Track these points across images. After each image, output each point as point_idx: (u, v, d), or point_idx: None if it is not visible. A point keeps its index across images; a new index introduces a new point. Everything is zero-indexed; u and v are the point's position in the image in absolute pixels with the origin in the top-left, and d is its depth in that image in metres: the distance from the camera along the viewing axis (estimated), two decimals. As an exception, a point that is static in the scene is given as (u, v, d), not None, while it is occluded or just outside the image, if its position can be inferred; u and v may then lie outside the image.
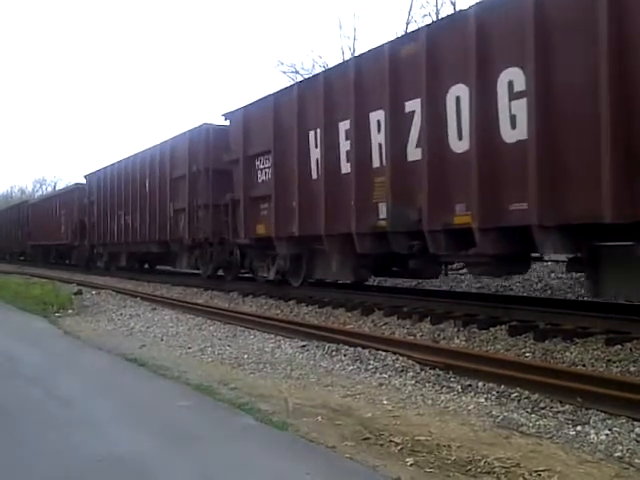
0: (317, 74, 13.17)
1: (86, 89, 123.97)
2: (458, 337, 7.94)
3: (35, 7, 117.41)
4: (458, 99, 7.89)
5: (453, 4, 23.14)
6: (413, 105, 8.64)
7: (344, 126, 10.11)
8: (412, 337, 8.25)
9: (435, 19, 23.68)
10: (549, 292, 12.13)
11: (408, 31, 22.77)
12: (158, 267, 22.83)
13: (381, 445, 4.15)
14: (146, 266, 23.36)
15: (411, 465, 3.78)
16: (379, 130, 9.31)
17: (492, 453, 3.92)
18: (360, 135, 9.69)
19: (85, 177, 26.31)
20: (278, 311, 11.50)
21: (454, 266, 10.66)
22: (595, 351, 6.60)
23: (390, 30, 40.51)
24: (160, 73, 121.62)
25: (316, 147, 10.94)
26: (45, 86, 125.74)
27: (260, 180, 12.80)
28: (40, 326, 10.60)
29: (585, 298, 10.80)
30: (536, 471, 3.64)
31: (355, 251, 10.09)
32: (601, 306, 8.34)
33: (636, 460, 3.82)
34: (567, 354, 6.64)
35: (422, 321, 8.90)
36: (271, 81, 56.86)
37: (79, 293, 15.75)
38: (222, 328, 9.75)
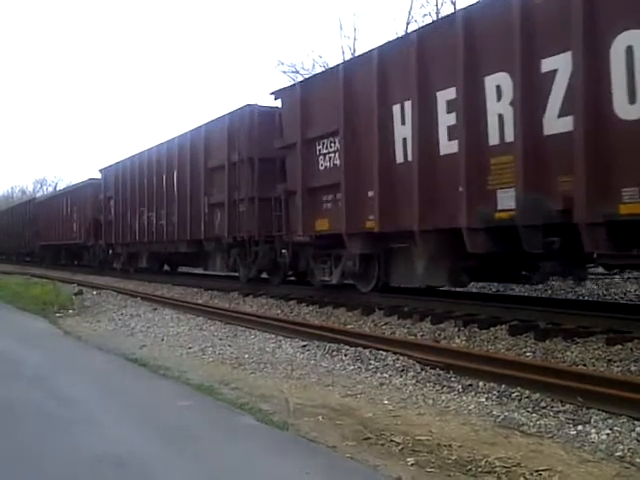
0: (407, 34, 11.40)
1: (87, 89, 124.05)
2: (459, 337, 7.94)
3: (36, 7, 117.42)
4: (630, 48, 6.17)
5: (453, 3, 23.12)
6: (556, 62, 6.83)
7: (445, 96, 8.31)
8: (413, 337, 8.25)
9: (436, 18, 23.67)
10: (549, 292, 12.13)
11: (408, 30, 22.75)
12: (182, 269, 21.52)
13: (382, 445, 4.15)
14: (166, 268, 21.85)
15: (412, 465, 3.78)
16: (499, 98, 7.56)
17: (493, 453, 3.92)
18: (470, 106, 7.88)
19: (100, 171, 24.24)
20: (279, 311, 11.50)
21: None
22: (596, 350, 6.60)
23: (390, 30, 40.50)
24: (159, 74, 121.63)
25: (403, 124, 9.07)
26: (46, 86, 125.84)
27: (322, 167, 10.92)
28: (40, 326, 10.60)
29: (586, 298, 10.81)
30: (537, 471, 3.63)
31: (455, 250, 8.45)
32: (602, 306, 8.33)
33: (637, 460, 3.82)
34: (568, 354, 6.64)
35: (423, 321, 8.90)
36: (270, 81, 56.78)
37: (80, 293, 15.77)
38: (223, 328, 9.75)
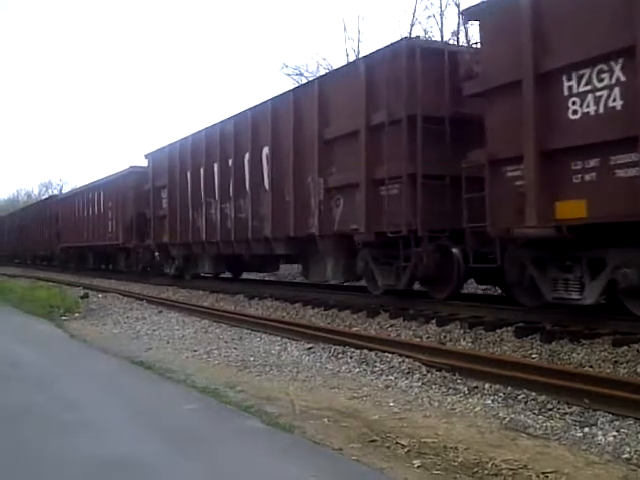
0: None
1: (94, 93, 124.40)
2: (464, 339, 7.92)
3: (38, 10, 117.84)
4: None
5: (457, 5, 23.09)
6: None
7: None
8: (418, 339, 8.24)
9: (441, 21, 23.67)
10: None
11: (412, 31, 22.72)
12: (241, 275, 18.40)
13: (388, 447, 4.14)
14: (225, 274, 18.25)
15: (418, 467, 3.77)
16: None
17: (499, 455, 3.91)
18: None
19: (147, 156, 20.22)
20: (284, 313, 11.50)
21: None
22: (602, 352, 6.58)
23: (395, 32, 40.45)
24: (164, 77, 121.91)
25: None
26: (52, 90, 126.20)
27: (578, 115, 7.06)
28: (46, 329, 10.61)
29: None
30: (544, 473, 3.62)
31: None
32: (608, 307, 8.30)
33: (644, 461, 3.80)
34: (574, 355, 6.62)
35: (428, 323, 8.89)
36: (274, 84, 56.83)
37: (85, 296, 15.78)
38: (228, 331, 9.76)
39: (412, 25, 24.76)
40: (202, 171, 16.23)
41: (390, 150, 9.78)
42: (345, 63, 12.13)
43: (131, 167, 22.18)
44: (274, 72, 65.47)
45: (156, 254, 20.01)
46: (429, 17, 24.31)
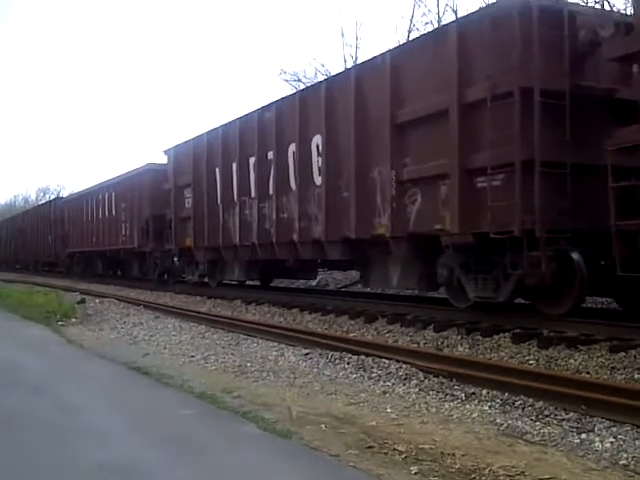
0: None
1: (91, 99, 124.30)
2: (462, 345, 7.92)
3: (38, 14, 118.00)
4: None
5: (455, 12, 23.17)
6: None
7: None
8: (415, 345, 8.24)
9: (438, 26, 23.73)
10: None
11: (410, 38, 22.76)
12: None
13: (385, 454, 4.13)
14: (252, 282, 16.61)
15: (415, 474, 3.77)
16: None
17: (496, 461, 3.91)
18: None
19: (166, 152, 18.10)
20: (281, 319, 11.49)
21: None
22: (599, 358, 6.58)
23: (392, 38, 40.58)
24: (161, 83, 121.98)
25: None
26: (49, 95, 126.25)
27: None
28: (43, 335, 10.59)
29: (589, 305, 10.76)
30: (541, 479, 3.63)
31: None
32: (605, 313, 8.31)
33: (641, 468, 3.80)
34: (571, 361, 6.63)
35: (425, 329, 8.88)
36: (272, 90, 56.91)
37: (82, 302, 15.77)
38: (225, 336, 9.75)
39: (409, 31, 24.83)
40: (235, 166, 14.25)
41: (495, 132, 7.83)
42: (422, 33, 10.55)
43: (147, 164, 20.14)
44: (272, 78, 65.51)
45: (175, 259, 18.30)
46: (426, 24, 24.37)
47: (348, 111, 10.48)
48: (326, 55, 66.80)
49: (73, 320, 12.39)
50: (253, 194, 13.57)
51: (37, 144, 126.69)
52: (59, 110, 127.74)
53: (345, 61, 27.74)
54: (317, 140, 11.42)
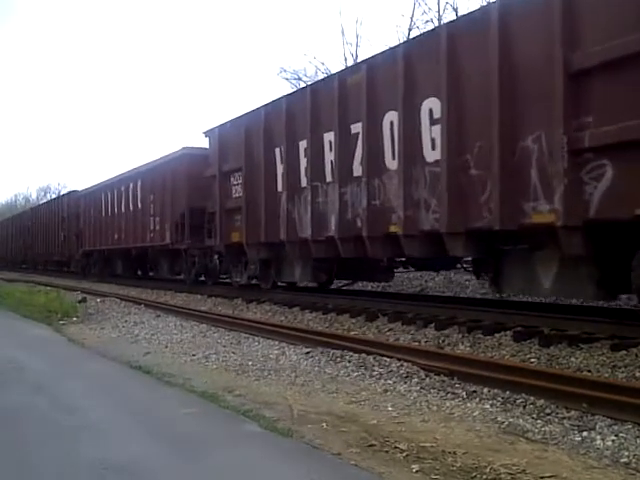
0: None
1: (90, 98, 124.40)
2: (463, 343, 7.92)
3: (41, 10, 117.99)
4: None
5: (455, 10, 23.17)
6: None
7: None
8: (417, 343, 8.23)
9: (438, 24, 23.71)
10: (554, 297, 12.10)
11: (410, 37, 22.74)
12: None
13: (386, 452, 4.14)
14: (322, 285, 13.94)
15: (417, 472, 3.77)
16: None
17: (498, 459, 3.91)
18: None
19: (207, 134, 15.59)
20: (282, 318, 11.49)
21: None
22: (600, 356, 6.58)
23: (393, 36, 40.52)
24: (161, 82, 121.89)
25: None
26: (49, 94, 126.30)
27: None
28: (44, 334, 10.61)
29: (590, 303, 10.76)
30: (542, 477, 3.62)
31: None
32: (606, 311, 8.31)
33: (643, 466, 3.80)
34: (572, 359, 6.62)
35: (426, 327, 8.89)
36: (273, 89, 56.89)
37: (83, 301, 15.79)
38: (226, 335, 9.75)
39: (410, 29, 24.87)
40: (304, 145, 11.60)
41: None
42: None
43: (184, 148, 17.64)
44: (272, 77, 65.40)
45: (215, 257, 16.05)
46: (427, 22, 24.39)
47: (486, 61, 7.79)
48: (326, 54, 66.71)
49: (74, 319, 12.40)
50: (329, 178, 10.93)
51: (38, 143, 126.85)
52: (60, 109, 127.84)
53: (345, 59, 27.76)
54: (430, 105, 8.76)
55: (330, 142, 10.85)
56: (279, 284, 14.17)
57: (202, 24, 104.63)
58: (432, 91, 8.69)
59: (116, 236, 22.05)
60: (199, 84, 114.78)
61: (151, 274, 21.99)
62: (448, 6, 24.57)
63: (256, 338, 9.23)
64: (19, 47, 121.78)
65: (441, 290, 13.88)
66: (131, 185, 21.01)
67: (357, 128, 10.22)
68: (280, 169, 12.40)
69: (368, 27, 58.55)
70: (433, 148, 8.71)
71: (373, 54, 10.47)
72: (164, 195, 18.30)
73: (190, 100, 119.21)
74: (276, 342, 8.76)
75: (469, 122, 8.19)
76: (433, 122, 8.73)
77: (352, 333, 9.27)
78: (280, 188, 12.37)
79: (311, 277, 12.97)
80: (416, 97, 8.98)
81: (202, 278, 17.47)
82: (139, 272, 23.43)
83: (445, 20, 22.20)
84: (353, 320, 10.29)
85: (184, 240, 16.96)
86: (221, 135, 14.82)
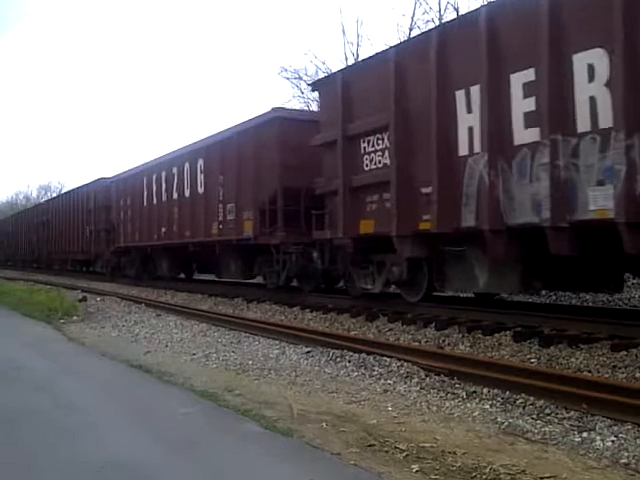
0: None
1: (91, 96, 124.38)
2: (463, 343, 7.93)
3: (42, 11, 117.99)
4: None
5: (456, 10, 23.14)
6: None
7: None
8: (417, 343, 8.24)
9: (438, 24, 23.70)
10: (554, 297, 12.10)
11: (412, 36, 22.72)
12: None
13: (386, 452, 4.14)
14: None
15: (416, 472, 3.77)
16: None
17: (497, 460, 3.91)
18: None
19: (316, 85, 12.67)
20: (282, 317, 11.50)
21: None
22: (600, 357, 6.59)
23: (394, 36, 40.55)
24: (162, 80, 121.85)
25: None
26: (49, 92, 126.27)
27: None
28: (45, 332, 10.60)
29: (590, 304, 10.79)
30: (542, 478, 3.62)
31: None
32: (606, 312, 8.32)
33: (642, 467, 3.80)
34: (572, 360, 6.63)
35: (427, 327, 8.89)
36: (273, 88, 56.86)
37: (84, 300, 15.78)
38: (226, 334, 9.75)
39: (411, 29, 24.81)
40: (522, 79, 7.48)
41: None
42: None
43: (274, 109, 13.37)
44: (273, 76, 65.34)
45: (314, 255, 12.18)
46: (427, 22, 24.34)
47: None
48: (327, 53, 66.65)
49: (74, 318, 12.40)
50: (588, 126, 6.70)
51: (38, 141, 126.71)
52: (60, 107, 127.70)
53: (346, 59, 27.70)
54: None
55: (591, 66, 6.68)
56: (433, 294, 10.18)
57: (202, 24, 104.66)
58: None
59: (163, 230, 18.12)
60: (199, 84, 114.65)
61: (201, 277, 18.41)
62: (449, 6, 24.54)
63: (256, 337, 9.24)
64: (20, 46, 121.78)
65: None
66: (186, 166, 16.71)
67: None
68: (468, 121, 8.28)
69: (369, 26, 58.40)
70: None
71: None
72: (241, 174, 13.98)
73: (190, 100, 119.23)
74: (276, 342, 8.76)
75: None
76: None
77: (352, 333, 9.27)
78: (466, 150, 8.28)
79: (519, 285, 8.50)
80: None
81: (294, 283, 13.50)
82: (184, 275, 19.92)
83: (445, 19, 22.18)
84: (353, 320, 10.29)
85: (276, 232, 12.69)
86: (346, 83, 10.57)
